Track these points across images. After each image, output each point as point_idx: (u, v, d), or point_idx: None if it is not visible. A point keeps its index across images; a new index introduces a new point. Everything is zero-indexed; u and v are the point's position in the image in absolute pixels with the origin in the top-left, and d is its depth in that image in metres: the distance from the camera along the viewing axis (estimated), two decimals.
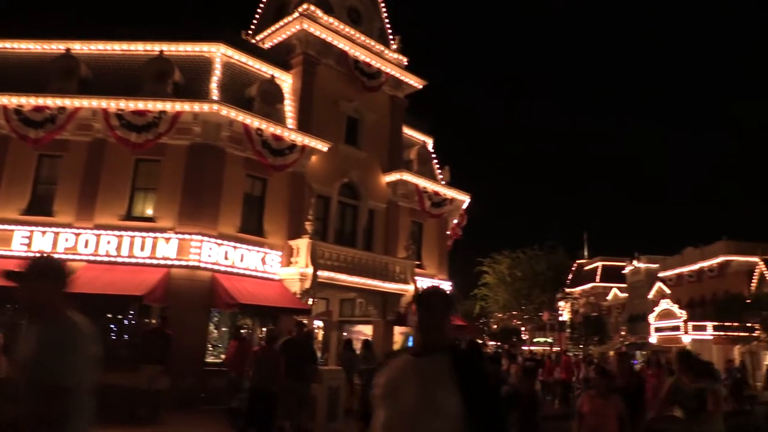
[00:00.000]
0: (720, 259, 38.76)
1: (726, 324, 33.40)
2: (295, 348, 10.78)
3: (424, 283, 23.16)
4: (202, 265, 16.38)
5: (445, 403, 2.33)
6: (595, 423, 5.77)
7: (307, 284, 17.58)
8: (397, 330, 20.86)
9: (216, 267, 16.68)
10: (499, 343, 51.19)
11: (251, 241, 17.90)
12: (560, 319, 46.67)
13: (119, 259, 16.26)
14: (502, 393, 7.70)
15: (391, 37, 24.50)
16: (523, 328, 53.61)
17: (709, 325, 34.72)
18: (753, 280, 35.93)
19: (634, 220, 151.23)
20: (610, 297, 54.46)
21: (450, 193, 24.68)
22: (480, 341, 51.45)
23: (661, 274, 45.23)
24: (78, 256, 16.24)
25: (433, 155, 26.11)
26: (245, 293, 16.23)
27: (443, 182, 25.38)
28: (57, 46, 18.58)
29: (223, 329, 17.27)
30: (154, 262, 16.21)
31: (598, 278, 57.24)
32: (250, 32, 23.37)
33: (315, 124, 20.04)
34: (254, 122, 17.84)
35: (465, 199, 25.62)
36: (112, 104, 16.87)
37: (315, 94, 20.54)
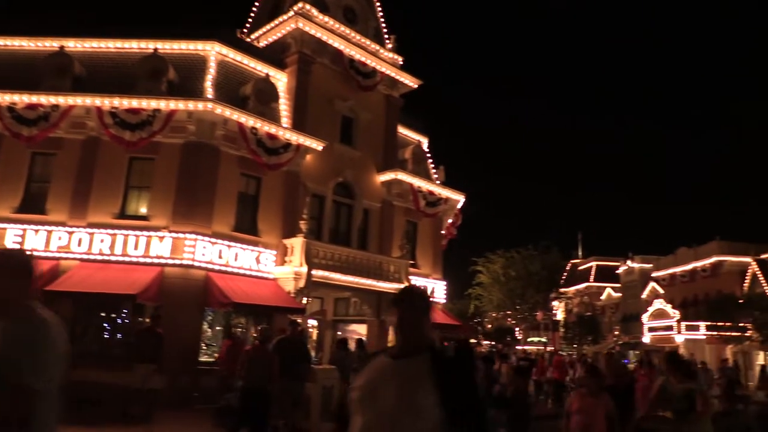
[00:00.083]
0: (713, 259, 38.97)
1: (718, 324, 33.58)
2: (289, 347, 10.78)
3: (418, 282, 23.22)
4: (196, 263, 16.35)
5: (425, 407, 2.27)
6: (584, 421, 5.80)
7: (302, 283, 17.57)
8: (392, 329, 20.83)
9: (210, 266, 16.65)
10: (493, 343, 51.33)
11: (245, 240, 17.88)
12: (554, 318, 46.80)
13: (113, 258, 16.20)
14: (494, 392, 7.73)
15: (386, 36, 24.51)
16: (517, 328, 53.74)
17: (702, 325, 34.91)
18: (745, 281, 36.14)
19: (628, 220, 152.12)
20: (603, 297, 54.66)
21: (445, 192, 24.71)
22: (474, 340, 51.60)
23: (654, 274, 45.43)
24: (71, 254, 16.19)
25: (428, 155, 26.14)
26: (239, 292, 16.21)
27: (438, 182, 25.42)
28: (51, 44, 18.48)
29: (217, 328, 17.25)
30: (148, 260, 16.17)
31: (592, 278, 57.45)
32: (245, 31, 23.31)
33: (310, 123, 20.03)
34: (249, 121, 17.81)
35: (460, 199, 25.67)
36: (106, 102, 16.81)
37: (310, 93, 20.52)
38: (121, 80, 17.61)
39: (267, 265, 18.23)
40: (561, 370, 19.38)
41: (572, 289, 57.89)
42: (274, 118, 19.18)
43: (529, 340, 51.43)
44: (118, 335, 16.07)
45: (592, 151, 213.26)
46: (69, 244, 16.31)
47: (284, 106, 20.07)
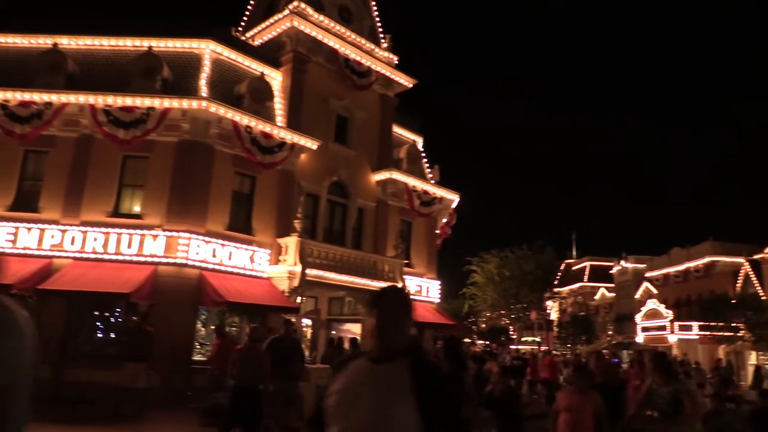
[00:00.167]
0: (706, 259, 39.15)
1: (711, 324, 33.73)
2: (283, 346, 10.76)
3: (413, 281, 23.24)
4: (190, 262, 16.30)
5: (402, 415, 2.18)
6: (572, 419, 5.82)
7: (296, 282, 17.56)
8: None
9: (204, 265, 16.61)
10: (487, 342, 51.48)
11: (239, 238, 17.84)
12: (548, 318, 46.93)
13: (106, 257, 16.14)
14: (484, 393, 7.72)
15: (381, 35, 24.50)
16: (511, 328, 53.90)
17: (695, 325, 35.07)
18: (738, 281, 36.31)
19: (623, 220, 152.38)
20: (597, 297, 54.81)
21: (439, 192, 24.74)
22: (468, 340, 51.74)
23: (648, 275, 45.59)
24: (64, 253, 16.12)
25: (423, 154, 26.16)
26: (233, 291, 16.18)
27: (433, 181, 25.44)
28: (44, 41, 18.39)
29: (211, 327, 17.18)
30: (141, 259, 16.12)
31: (586, 278, 57.57)
32: (240, 29, 23.27)
33: (304, 122, 20.01)
34: (243, 119, 17.78)
35: (454, 198, 25.70)
36: (100, 100, 16.74)
37: (305, 92, 20.50)
38: (115, 78, 17.54)
39: (261, 264, 18.21)
40: (553, 370, 19.44)
41: (566, 288, 58.03)
42: (268, 116, 19.15)
43: (523, 339, 51.56)
44: (111, 334, 16.00)
45: (591, 151, 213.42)
46: (62, 242, 16.24)
47: (279, 105, 20.04)
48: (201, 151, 17.26)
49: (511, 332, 53.55)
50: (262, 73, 19.64)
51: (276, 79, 20.36)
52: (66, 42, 18.38)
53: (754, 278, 34.87)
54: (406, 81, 24.03)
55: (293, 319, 14.20)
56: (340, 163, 21.51)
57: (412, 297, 2.61)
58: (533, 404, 17.60)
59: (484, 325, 60.73)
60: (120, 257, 16.13)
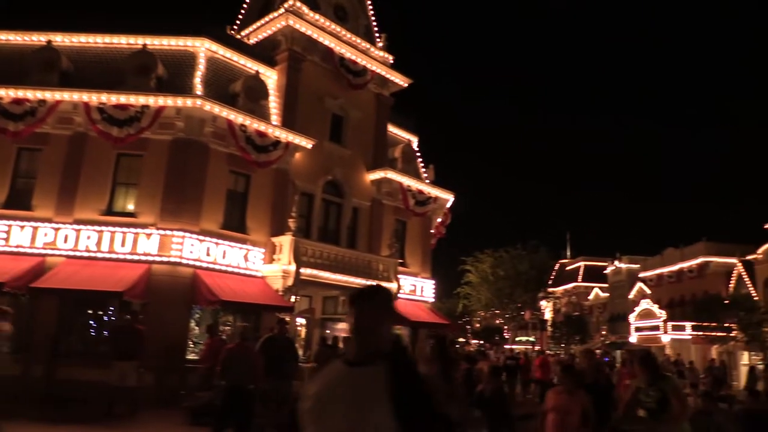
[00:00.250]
0: (699, 260, 39.31)
1: (704, 324, 33.88)
2: (277, 346, 10.76)
3: (407, 281, 23.27)
4: (184, 261, 16.28)
5: (378, 420, 2.12)
6: (560, 418, 5.86)
7: (290, 281, 17.56)
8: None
9: (198, 263, 16.59)
10: (482, 342, 51.58)
11: (234, 237, 17.82)
12: (542, 318, 47.09)
13: (99, 255, 16.09)
14: (475, 393, 7.74)
15: (377, 34, 24.50)
16: (505, 327, 54.02)
17: (688, 325, 35.19)
18: (731, 281, 36.51)
19: (618, 220, 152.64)
20: (591, 297, 54.98)
21: (434, 191, 24.77)
22: (462, 339, 51.83)
23: (641, 275, 45.75)
24: (57, 251, 16.07)
25: (418, 154, 26.19)
26: (227, 290, 16.17)
27: (428, 181, 25.48)
28: (38, 38, 18.32)
29: (205, 326, 17.17)
30: (135, 257, 16.08)
31: (580, 278, 57.74)
32: (235, 27, 23.22)
33: (299, 121, 20.00)
34: (238, 118, 17.75)
35: (449, 198, 25.74)
36: (94, 98, 16.67)
37: (300, 91, 20.48)
38: (109, 76, 17.49)
39: (255, 263, 18.19)
40: (545, 370, 19.51)
41: (560, 288, 58.20)
42: (263, 115, 19.13)
43: (517, 339, 51.67)
44: (104, 333, 15.94)
45: (587, 151, 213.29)
46: (55, 240, 16.18)
47: (274, 104, 20.02)
48: (195, 150, 17.23)
49: (505, 332, 53.65)
50: (257, 72, 19.61)
51: (271, 77, 20.33)
52: (60, 39, 18.31)
53: (747, 279, 35.07)
54: (401, 80, 24.04)
55: (287, 318, 14.20)
56: (335, 162, 21.51)
57: (397, 296, 2.54)
58: (525, 404, 17.66)
59: (478, 325, 60.87)
60: (113, 255, 16.08)
